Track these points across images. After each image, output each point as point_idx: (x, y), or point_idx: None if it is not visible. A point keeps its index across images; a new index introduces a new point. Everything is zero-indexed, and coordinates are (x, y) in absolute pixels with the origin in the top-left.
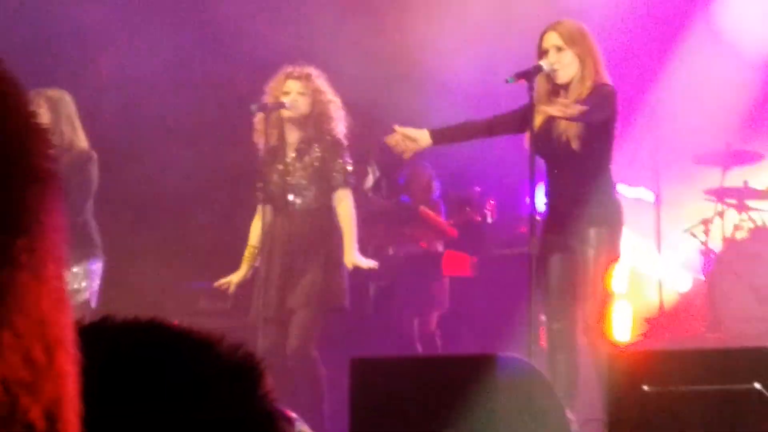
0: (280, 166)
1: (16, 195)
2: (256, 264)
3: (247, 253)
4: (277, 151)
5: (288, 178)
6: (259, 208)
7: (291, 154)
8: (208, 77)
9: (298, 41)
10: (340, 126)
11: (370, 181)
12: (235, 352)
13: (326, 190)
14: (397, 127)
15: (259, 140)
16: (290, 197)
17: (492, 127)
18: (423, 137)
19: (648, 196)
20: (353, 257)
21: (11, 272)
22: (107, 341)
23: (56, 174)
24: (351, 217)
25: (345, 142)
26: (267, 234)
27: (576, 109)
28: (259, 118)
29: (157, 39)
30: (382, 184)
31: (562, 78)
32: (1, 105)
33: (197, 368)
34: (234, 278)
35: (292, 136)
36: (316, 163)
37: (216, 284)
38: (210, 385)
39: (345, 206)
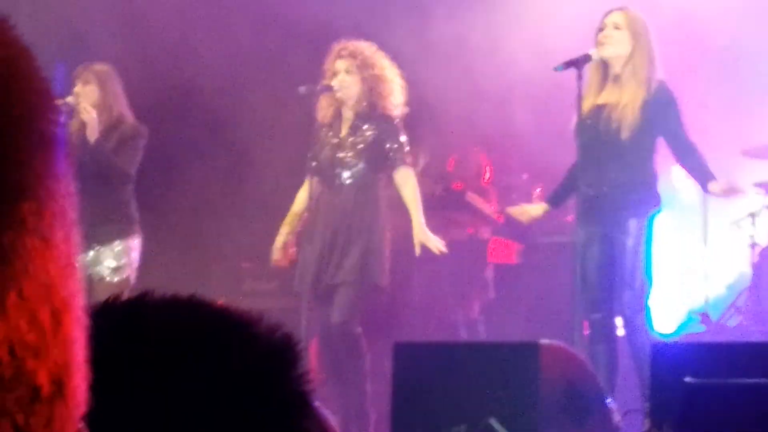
0: (334, 141)
1: (22, 159)
2: (296, 230)
3: (288, 218)
4: (332, 127)
5: (339, 154)
6: (307, 180)
7: (345, 130)
8: (259, 53)
9: (357, 15)
10: (393, 103)
11: (419, 164)
12: (273, 333)
13: (377, 168)
14: (513, 209)
15: (319, 115)
16: (339, 172)
17: None
18: (542, 208)
19: (695, 188)
20: (422, 234)
21: (18, 235)
22: (144, 317)
23: (64, 140)
24: (417, 195)
25: (398, 120)
26: (313, 208)
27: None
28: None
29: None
30: (431, 169)
31: (607, 52)
32: (8, 70)
33: (232, 348)
34: (275, 246)
35: (348, 112)
36: (369, 140)
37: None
38: (246, 366)
39: (410, 185)
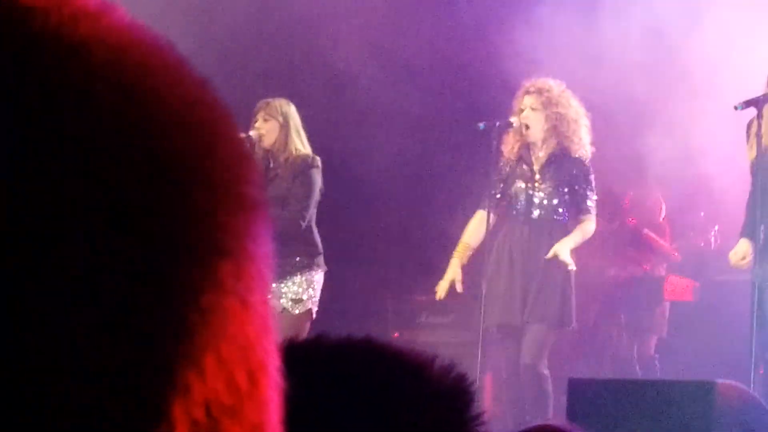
0: (527, 175)
1: (223, 221)
2: (465, 262)
3: (458, 250)
4: (522, 162)
5: (533, 193)
6: (481, 212)
7: (537, 167)
8: (442, 84)
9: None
10: (580, 143)
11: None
12: (448, 374)
13: (568, 207)
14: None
15: (505, 150)
16: (531, 208)
17: None
18: (745, 243)
19: None
20: (561, 249)
21: (218, 297)
22: (320, 361)
23: (263, 201)
24: (586, 233)
25: (588, 161)
26: (497, 241)
27: None
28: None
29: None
30: (607, 206)
31: None
32: (213, 132)
33: (408, 391)
34: (446, 278)
35: (539, 150)
36: (563, 180)
37: (437, 295)
38: (420, 408)
39: (585, 226)
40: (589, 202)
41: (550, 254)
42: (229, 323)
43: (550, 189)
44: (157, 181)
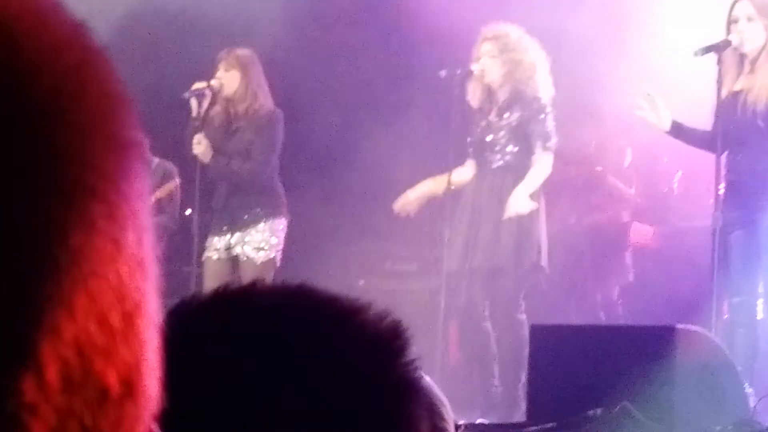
0: (483, 124)
1: (93, 162)
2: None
3: (438, 181)
4: (482, 110)
5: (488, 137)
6: (468, 162)
7: (493, 114)
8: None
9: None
10: (537, 86)
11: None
12: (380, 322)
13: (526, 150)
14: (649, 94)
15: (468, 97)
16: (488, 156)
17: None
18: (666, 119)
19: None
20: (516, 202)
21: (88, 237)
22: (252, 307)
23: (138, 142)
24: (540, 175)
25: (545, 103)
26: (465, 189)
27: None
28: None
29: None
30: (572, 152)
31: (747, 47)
32: (80, 74)
33: (337, 337)
34: (410, 195)
35: (496, 96)
36: (515, 123)
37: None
38: (351, 354)
39: (539, 167)
40: (547, 143)
41: (508, 213)
42: (101, 263)
43: (509, 134)
44: (20, 122)
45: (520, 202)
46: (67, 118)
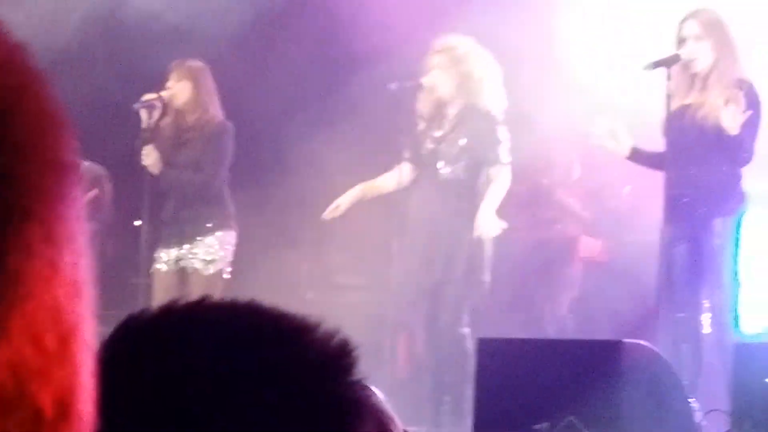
0: (437, 134)
1: (29, 184)
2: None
3: (366, 187)
4: (432, 122)
5: (441, 147)
6: (399, 167)
7: (447, 125)
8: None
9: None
10: (489, 98)
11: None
12: (329, 340)
13: (477, 164)
14: (606, 123)
15: (418, 109)
16: (440, 165)
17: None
18: (625, 145)
19: None
20: (484, 221)
21: (24, 259)
22: (199, 323)
23: (75, 164)
24: (501, 190)
25: (498, 116)
26: (408, 199)
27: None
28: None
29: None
30: (520, 166)
31: (698, 67)
32: (19, 95)
33: (284, 357)
34: (341, 201)
35: (447, 109)
36: (466, 137)
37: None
38: (294, 374)
39: (500, 181)
40: (501, 156)
41: (477, 233)
42: (37, 286)
43: (459, 148)
44: None
45: (489, 223)
46: (3, 139)
